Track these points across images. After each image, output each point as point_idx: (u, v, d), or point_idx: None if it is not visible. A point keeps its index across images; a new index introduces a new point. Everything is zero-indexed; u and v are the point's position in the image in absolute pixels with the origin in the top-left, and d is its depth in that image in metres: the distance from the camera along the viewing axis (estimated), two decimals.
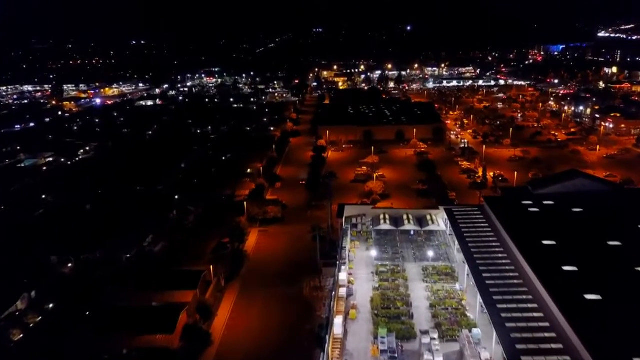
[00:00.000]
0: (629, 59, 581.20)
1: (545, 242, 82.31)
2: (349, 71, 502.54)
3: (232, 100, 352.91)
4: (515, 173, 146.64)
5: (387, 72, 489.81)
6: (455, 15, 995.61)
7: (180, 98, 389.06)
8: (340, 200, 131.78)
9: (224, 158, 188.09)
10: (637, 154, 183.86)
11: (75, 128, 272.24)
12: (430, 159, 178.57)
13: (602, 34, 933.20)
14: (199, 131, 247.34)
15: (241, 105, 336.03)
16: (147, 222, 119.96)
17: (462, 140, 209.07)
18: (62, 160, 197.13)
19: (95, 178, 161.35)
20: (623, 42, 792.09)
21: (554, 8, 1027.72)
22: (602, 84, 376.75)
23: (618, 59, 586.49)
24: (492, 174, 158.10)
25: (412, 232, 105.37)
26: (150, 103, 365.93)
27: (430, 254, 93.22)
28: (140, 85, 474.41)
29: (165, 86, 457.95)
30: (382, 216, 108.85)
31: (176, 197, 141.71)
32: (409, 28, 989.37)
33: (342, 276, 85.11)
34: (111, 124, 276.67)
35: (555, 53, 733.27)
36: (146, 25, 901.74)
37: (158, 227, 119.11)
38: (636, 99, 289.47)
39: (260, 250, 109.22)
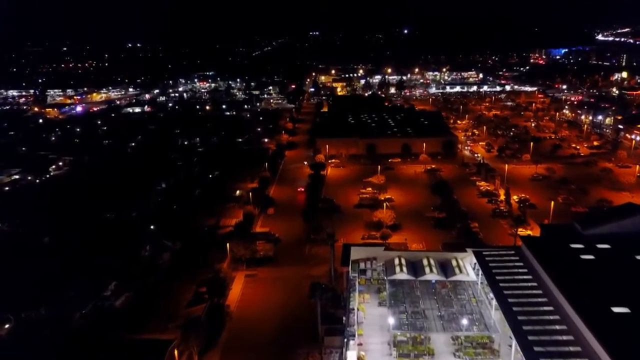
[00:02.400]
0: (634, 63, 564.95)
1: (616, 310, 62.30)
2: (347, 76, 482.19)
3: (224, 107, 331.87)
4: (551, 202, 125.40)
5: (386, 76, 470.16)
6: (451, 18, 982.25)
7: (170, 104, 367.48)
8: (344, 232, 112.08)
9: (210, 176, 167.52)
10: None
11: (53, 139, 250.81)
12: (443, 178, 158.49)
13: (600, 37, 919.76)
14: (186, 142, 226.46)
15: (234, 113, 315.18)
16: (111, 264, 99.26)
17: (476, 155, 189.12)
18: (30, 177, 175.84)
19: (60, 202, 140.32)
20: (626, 46, 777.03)
21: (552, 11, 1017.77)
22: (615, 90, 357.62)
23: (624, 63, 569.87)
24: (515, 197, 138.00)
25: (433, 281, 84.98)
26: (138, 110, 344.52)
27: (462, 320, 72.70)
28: (131, 90, 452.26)
29: (156, 91, 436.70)
30: (397, 261, 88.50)
31: (151, 227, 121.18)
32: (405, 31, 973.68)
33: (351, 356, 64.88)
34: (92, 134, 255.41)
35: (558, 57, 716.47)
36: (143, 27, 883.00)
37: (125, 269, 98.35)
38: None
39: (246, 306, 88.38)
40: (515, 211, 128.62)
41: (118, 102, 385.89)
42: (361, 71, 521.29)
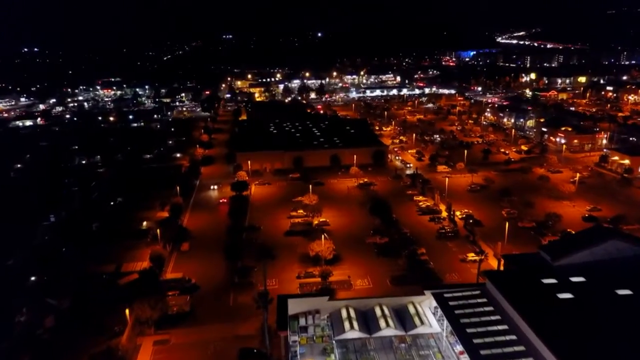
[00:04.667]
0: (538, 65, 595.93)
1: None
2: (265, 80, 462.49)
3: (130, 117, 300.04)
4: (505, 223, 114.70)
5: (305, 80, 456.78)
6: (364, 21, 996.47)
7: (68, 116, 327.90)
8: (274, 270, 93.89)
9: (112, 203, 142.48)
10: (604, 175, 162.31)
11: None
12: (378, 194, 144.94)
13: (500, 40, 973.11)
14: (84, 162, 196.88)
15: (141, 124, 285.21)
16: None
17: (408, 165, 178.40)
18: None
19: None
20: (528, 48, 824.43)
21: (457, 15, 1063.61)
22: (528, 92, 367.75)
23: (528, 65, 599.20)
24: (458, 213, 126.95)
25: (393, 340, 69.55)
26: (29, 123, 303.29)
27: None
28: (23, 99, 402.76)
29: (52, 101, 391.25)
30: (344, 313, 72.23)
31: (32, 278, 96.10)
32: (319, 34, 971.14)
33: None
34: None
35: (467, 59, 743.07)
36: (42, 29, 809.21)
37: None
38: (573, 109, 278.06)
39: None
40: (462, 230, 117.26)
41: (5, 115, 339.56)
42: (279, 75, 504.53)
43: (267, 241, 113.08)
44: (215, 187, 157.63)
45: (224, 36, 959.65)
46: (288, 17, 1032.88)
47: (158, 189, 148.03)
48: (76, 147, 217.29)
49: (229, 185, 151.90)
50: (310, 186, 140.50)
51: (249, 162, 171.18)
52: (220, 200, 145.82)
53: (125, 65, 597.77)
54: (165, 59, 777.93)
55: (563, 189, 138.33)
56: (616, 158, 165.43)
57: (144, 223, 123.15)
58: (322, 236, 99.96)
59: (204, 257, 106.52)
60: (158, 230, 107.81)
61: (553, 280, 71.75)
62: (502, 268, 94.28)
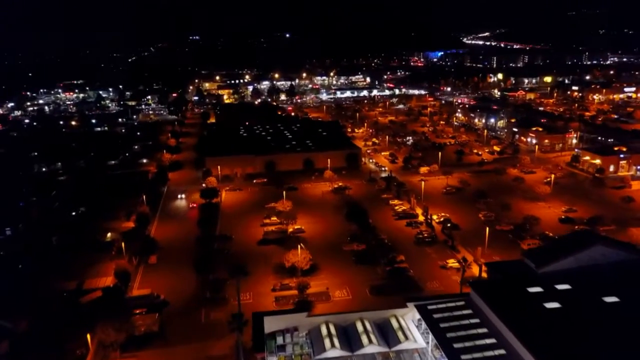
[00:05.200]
0: (504, 65, 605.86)
1: None
2: (233, 82, 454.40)
3: (94, 121, 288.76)
4: (486, 228, 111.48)
5: (275, 82, 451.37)
6: (331, 22, 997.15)
7: (27, 121, 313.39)
8: (247, 283, 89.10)
9: (74, 213, 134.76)
10: (577, 175, 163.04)
11: None
12: (354, 199, 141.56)
13: (465, 41, 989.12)
14: (44, 169, 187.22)
15: (105, 128, 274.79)
16: None
17: (383, 169, 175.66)
18: None
19: None
20: (494, 49, 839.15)
21: (420, 16, 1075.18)
22: (497, 92, 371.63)
23: (494, 65, 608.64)
24: (435, 217, 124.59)
25: (376, 357, 65.97)
26: None
27: None
28: None
29: (10, 105, 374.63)
30: (324, 330, 68.22)
31: None
32: (288, 35, 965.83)
33: None
34: None
35: (435, 59, 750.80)
36: None
37: None
38: (542, 109, 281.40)
39: None
40: (440, 235, 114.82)
41: None
42: (248, 77, 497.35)
43: (240, 251, 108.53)
44: (183, 195, 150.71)
45: (191, 37, 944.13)
46: (255, 18, 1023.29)
47: (123, 197, 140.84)
48: (35, 153, 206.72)
49: (198, 192, 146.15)
50: (284, 193, 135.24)
51: (219, 167, 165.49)
52: (190, 205, 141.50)
53: (88, 67, 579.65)
54: (130, 60, 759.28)
55: (538, 190, 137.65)
56: (587, 158, 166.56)
57: (109, 234, 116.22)
58: (299, 246, 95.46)
59: (174, 269, 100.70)
60: (123, 244, 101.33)
61: (539, 289, 69.50)
62: (484, 275, 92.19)
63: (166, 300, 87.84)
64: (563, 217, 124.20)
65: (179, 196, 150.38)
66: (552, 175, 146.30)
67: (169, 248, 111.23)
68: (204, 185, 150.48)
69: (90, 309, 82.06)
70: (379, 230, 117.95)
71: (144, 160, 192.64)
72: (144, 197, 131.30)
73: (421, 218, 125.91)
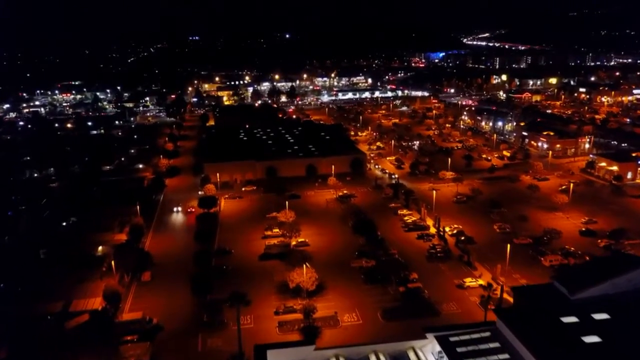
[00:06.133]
0: (507, 66, 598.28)
1: None
2: (233, 83, 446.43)
3: (90, 124, 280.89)
4: (507, 245, 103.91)
5: (275, 83, 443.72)
6: (331, 23, 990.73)
7: (22, 123, 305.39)
8: (250, 305, 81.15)
9: (65, 224, 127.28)
10: (593, 183, 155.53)
11: None
12: (360, 208, 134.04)
13: (466, 41, 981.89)
14: (36, 175, 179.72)
15: (102, 131, 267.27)
16: None
17: (393, 176, 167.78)
18: None
19: None
20: (496, 49, 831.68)
21: (420, 17, 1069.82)
22: (502, 94, 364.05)
23: (497, 66, 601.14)
24: (448, 229, 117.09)
25: None
26: None
27: None
28: None
29: (6, 106, 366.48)
30: None
31: None
32: (287, 35, 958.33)
33: None
34: None
35: (436, 60, 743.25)
36: None
37: None
38: (549, 111, 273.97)
39: None
40: (454, 249, 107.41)
41: None
42: (247, 78, 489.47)
43: (240, 267, 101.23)
44: (179, 208, 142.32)
45: (191, 38, 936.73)
46: (255, 18, 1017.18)
47: (117, 205, 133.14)
48: (28, 158, 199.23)
49: (196, 200, 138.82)
50: (287, 202, 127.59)
51: (218, 173, 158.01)
52: (188, 210, 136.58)
53: (86, 68, 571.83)
54: (129, 61, 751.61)
55: (555, 199, 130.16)
56: (604, 164, 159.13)
57: (100, 248, 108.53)
58: (304, 265, 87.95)
59: (169, 288, 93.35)
60: (112, 262, 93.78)
61: (574, 319, 62.10)
62: (505, 296, 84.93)
63: (159, 325, 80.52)
64: (583, 229, 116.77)
65: (175, 209, 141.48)
66: (571, 184, 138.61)
67: (164, 263, 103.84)
68: (201, 192, 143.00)
69: (75, 335, 74.75)
70: (389, 243, 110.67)
71: (141, 166, 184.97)
72: (138, 206, 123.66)
73: (432, 230, 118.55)
